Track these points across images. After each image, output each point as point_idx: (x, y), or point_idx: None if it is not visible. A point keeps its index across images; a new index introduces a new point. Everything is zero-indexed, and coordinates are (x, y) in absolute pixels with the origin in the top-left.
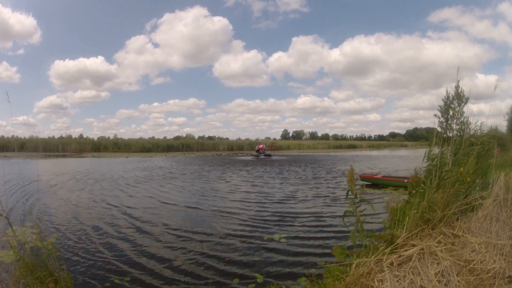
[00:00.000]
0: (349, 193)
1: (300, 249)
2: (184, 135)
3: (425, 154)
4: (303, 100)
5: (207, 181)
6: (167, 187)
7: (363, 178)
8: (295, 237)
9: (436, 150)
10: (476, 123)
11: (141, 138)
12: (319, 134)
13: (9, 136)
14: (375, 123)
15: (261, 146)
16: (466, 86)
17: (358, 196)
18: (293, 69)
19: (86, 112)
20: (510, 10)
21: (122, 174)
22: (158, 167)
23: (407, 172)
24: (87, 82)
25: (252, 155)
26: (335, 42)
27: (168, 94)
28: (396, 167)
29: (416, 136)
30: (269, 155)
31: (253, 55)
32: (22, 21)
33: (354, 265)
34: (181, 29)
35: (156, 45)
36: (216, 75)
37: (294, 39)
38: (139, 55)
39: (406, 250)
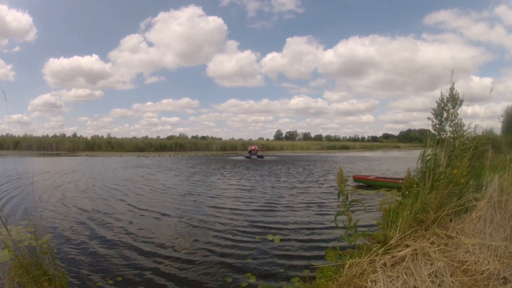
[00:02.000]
0: (341, 194)
1: (293, 249)
2: (177, 134)
3: (420, 155)
4: (297, 101)
5: (198, 180)
6: (159, 186)
7: (356, 179)
8: (289, 238)
9: (430, 152)
10: (470, 125)
11: (134, 137)
12: (313, 135)
13: (4, 134)
14: (369, 124)
15: (253, 147)
16: (461, 88)
17: (349, 196)
18: (287, 70)
19: (80, 111)
20: (507, 13)
21: (116, 173)
22: (154, 165)
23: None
24: (81, 81)
25: (245, 156)
26: (329, 43)
27: (162, 93)
28: (395, 170)
29: (409, 138)
30: (261, 156)
31: (247, 55)
32: (18, 19)
33: (347, 266)
34: (175, 28)
35: (150, 44)
36: (210, 75)
37: (289, 39)
38: (133, 54)
39: (400, 251)
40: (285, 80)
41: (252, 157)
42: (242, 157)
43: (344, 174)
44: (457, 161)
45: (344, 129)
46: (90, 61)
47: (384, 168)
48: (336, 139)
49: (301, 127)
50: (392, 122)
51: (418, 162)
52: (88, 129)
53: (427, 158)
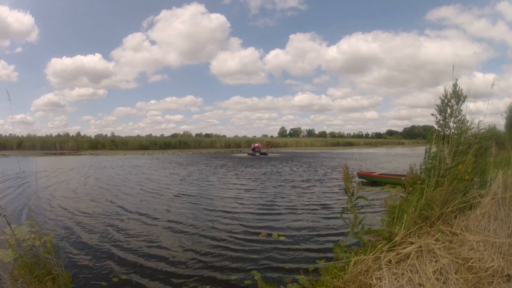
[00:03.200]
0: (346, 191)
1: (298, 247)
2: (181, 132)
3: (426, 151)
4: (301, 98)
5: (200, 179)
6: (164, 184)
7: (361, 175)
8: (294, 235)
9: (433, 148)
10: (472, 120)
11: (138, 135)
12: (317, 132)
13: (7, 134)
14: (373, 121)
15: (257, 144)
16: (464, 84)
17: (355, 193)
18: (290, 67)
19: (83, 110)
20: (509, 9)
21: (119, 171)
22: (154, 164)
23: None
24: (84, 80)
25: (248, 153)
26: (332, 39)
27: (165, 91)
28: (405, 167)
29: (413, 134)
30: (264, 153)
31: (250, 53)
32: (20, 19)
33: (352, 263)
34: (178, 26)
35: (153, 42)
36: (213, 72)
37: (292, 36)
38: (136, 52)
39: (404, 248)
40: (288, 77)
41: (256, 154)
42: (245, 154)
43: (351, 172)
44: (461, 157)
45: (348, 126)
46: (93, 60)
47: (392, 166)
48: (340, 135)
49: (305, 124)
50: (396, 119)
51: (425, 158)
52: (92, 128)
53: (432, 154)
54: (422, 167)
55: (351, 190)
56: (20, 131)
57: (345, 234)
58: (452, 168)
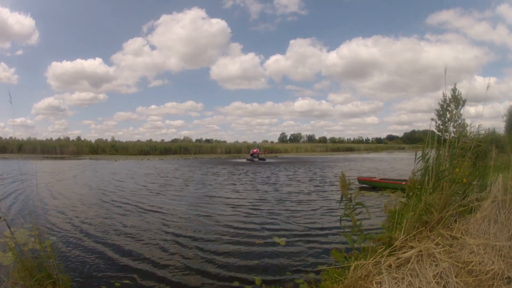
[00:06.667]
0: (344, 197)
1: (299, 252)
2: (182, 138)
3: (415, 155)
4: (301, 103)
5: (201, 182)
6: (162, 191)
7: (361, 181)
8: (294, 240)
9: (432, 153)
10: (471, 124)
11: (138, 140)
12: (317, 137)
13: (7, 137)
14: (373, 126)
15: (255, 150)
16: (464, 88)
17: (352, 199)
18: (291, 72)
19: (83, 114)
20: (509, 12)
21: (122, 176)
22: (155, 168)
23: None
24: (85, 84)
25: (247, 159)
26: (333, 44)
27: (166, 96)
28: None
29: (413, 139)
30: (263, 159)
31: (251, 58)
32: (21, 22)
33: (352, 268)
34: (178, 31)
35: (153, 47)
36: (213, 77)
37: (292, 41)
38: (136, 57)
39: (404, 252)
40: (289, 83)
41: (254, 159)
42: (244, 160)
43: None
44: (459, 160)
45: (348, 131)
46: (93, 65)
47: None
48: (341, 141)
49: (305, 130)
50: (396, 124)
51: (415, 162)
52: (92, 132)
53: (429, 158)
54: (420, 170)
55: (349, 196)
56: (21, 134)
57: (344, 236)
58: (449, 171)
